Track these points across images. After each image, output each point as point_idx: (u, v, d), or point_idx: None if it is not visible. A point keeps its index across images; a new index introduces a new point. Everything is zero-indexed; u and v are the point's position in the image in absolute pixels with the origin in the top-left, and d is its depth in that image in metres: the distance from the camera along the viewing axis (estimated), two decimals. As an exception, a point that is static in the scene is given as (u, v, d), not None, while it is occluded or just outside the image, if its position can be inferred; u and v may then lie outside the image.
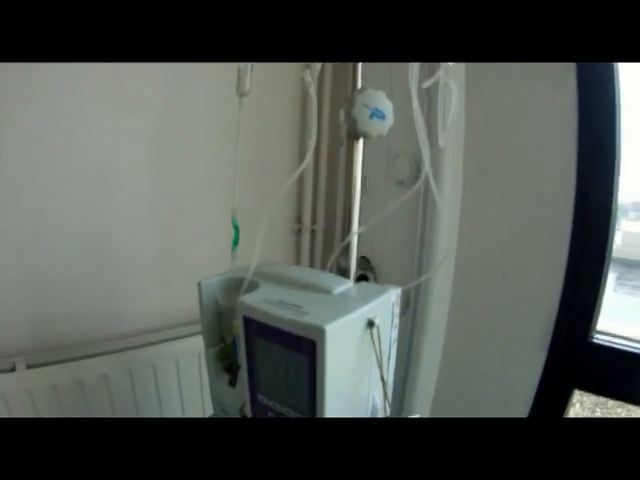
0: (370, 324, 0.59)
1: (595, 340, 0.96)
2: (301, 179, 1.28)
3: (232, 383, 0.69)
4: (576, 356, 0.97)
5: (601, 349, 0.95)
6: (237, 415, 0.69)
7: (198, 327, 1.05)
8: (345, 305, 0.60)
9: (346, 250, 0.71)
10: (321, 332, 0.53)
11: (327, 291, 0.63)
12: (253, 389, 0.63)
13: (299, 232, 1.34)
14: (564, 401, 1.01)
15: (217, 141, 1.10)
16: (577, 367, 0.97)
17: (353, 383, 0.60)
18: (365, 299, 0.60)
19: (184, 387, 1.03)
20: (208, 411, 1.05)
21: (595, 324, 0.97)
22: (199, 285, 0.67)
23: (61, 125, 0.93)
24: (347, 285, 0.64)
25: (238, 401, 0.68)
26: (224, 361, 0.70)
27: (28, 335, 0.98)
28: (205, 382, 1.03)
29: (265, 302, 0.59)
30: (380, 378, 0.62)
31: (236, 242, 0.67)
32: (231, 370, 0.70)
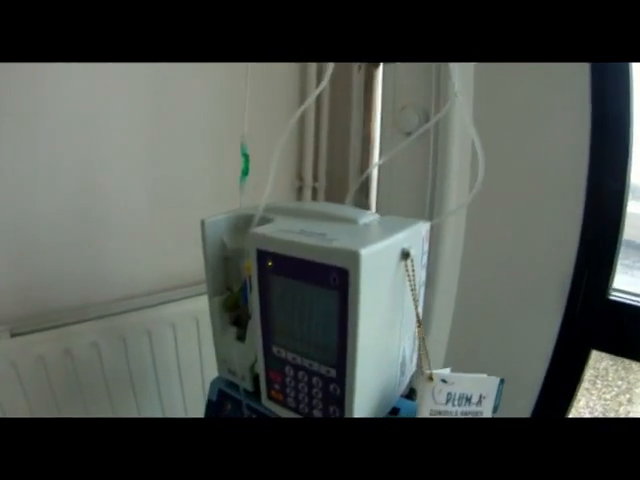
0: (405, 255, 0.50)
1: (613, 297, 0.89)
2: (302, 133, 1.19)
3: (241, 337, 0.60)
4: (593, 314, 0.90)
5: (619, 306, 0.87)
6: (247, 375, 0.59)
7: (195, 289, 0.98)
8: (375, 233, 0.51)
9: (365, 187, 0.63)
10: (355, 257, 0.44)
11: (353, 221, 0.54)
12: (267, 340, 0.53)
13: (300, 190, 1.25)
14: (581, 362, 0.94)
15: (214, 88, 1.01)
16: (594, 326, 0.91)
17: (386, 326, 0.51)
18: (396, 229, 0.51)
19: (182, 353, 0.93)
20: (208, 378, 0.96)
21: (612, 281, 0.90)
22: (202, 224, 0.58)
23: (48, 74, 0.83)
24: (373, 216, 0.56)
25: (248, 358, 0.58)
26: (231, 312, 0.60)
27: (12, 302, 0.88)
28: (205, 347, 0.95)
29: (283, 232, 0.50)
30: (415, 319, 0.53)
31: (246, 172, 0.58)
32: (239, 322, 0.61)
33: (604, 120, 0.85)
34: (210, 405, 0.65)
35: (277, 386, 0.55)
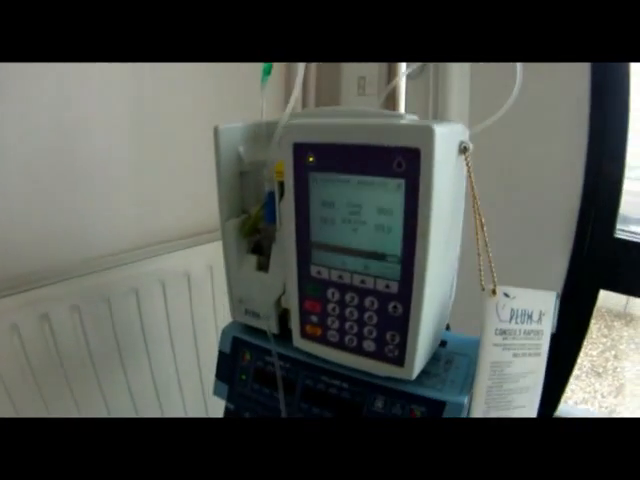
0: (463, 149, 0.42)
1: (619, 235, 0.86)
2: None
3: (263, 266, 0.49)
4: (601, 253, 0.86)
5: (627, 245, 0.84)
6: (271, 314, 0.49)
7: (185, 242, 0.85)
8: (431, 121, 0.43)
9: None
10: (428, 134, 0.35)
11: (398, 116, 0.44)
12: (304, 260, 0.43)
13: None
14: (591, 302, 0.91)
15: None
16: (602, 265, 0.87)
17: (447, 232, 0.42)
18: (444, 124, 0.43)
19: (172, 315, 0.81)
20: (202, 343, 0.84)
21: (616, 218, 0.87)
22: (216, 131, 0.47)
23: None
24: (414, 116, 0.47)
25: (273, 291, 0.48)
26: (250, 237, 0.50)
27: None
28: (197, 308, 0.83)
29: (325, 121, 0.40)
30: (476, 221, 0.45)
31: (268, 71, 0.47)
32: (260, 249, 0.50)
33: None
34: (223, 358, 0.54)
35: (314, 318, 0.45)
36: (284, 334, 0.50)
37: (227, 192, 0.48)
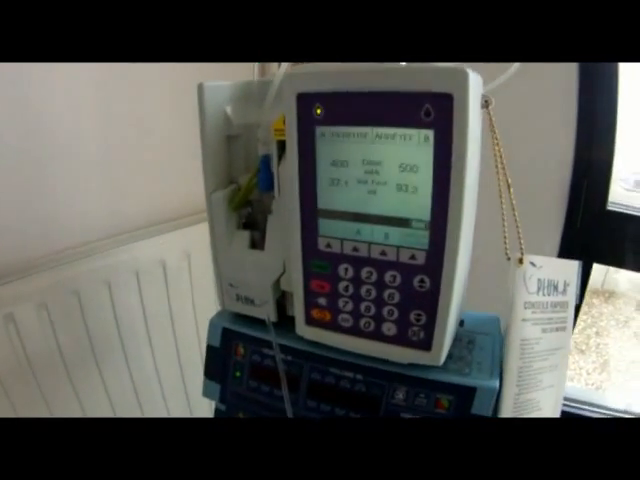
0: (485, 103, 0.36)
1: (611, 208, 0.84)
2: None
3: (257, 244, 0.42)
4: (594, 226, 0.84)
5: (618, 217, 0.82)
6: (269, 298, 0.42)
7: (160, 228, 0.75)
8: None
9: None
10: (462, 77, 0.29)
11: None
12: (310, 231, 0.36)
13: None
14: (585, 275, 0.89)
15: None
16: (595, 239, 0.85)
17: (475, 193, 0.37)
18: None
19: (148, 307, 0.71)
20: (182, 337, 0.75)
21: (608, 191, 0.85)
22: (200, 89, 0.39)
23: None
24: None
25: (270, 272, 0.40)
26: (240, 210, 0.42)
27: None
28: (175, 299, 0.74)
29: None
30: (502, 182, 0.39)
31: None
32: (252, 224, 0.43)
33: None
34: (213, 353, 0.46)
35: (323, 301, 0.38)
36: (282, 322, 0.43)
37: (213, 159, 0.40)
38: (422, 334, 0.36)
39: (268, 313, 0.41)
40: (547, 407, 0.44)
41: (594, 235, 0.84)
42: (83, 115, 0.68)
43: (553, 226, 0.88)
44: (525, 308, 0.41)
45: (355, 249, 0.35)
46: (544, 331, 0.43)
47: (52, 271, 0.63)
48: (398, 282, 0.35)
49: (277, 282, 0.41)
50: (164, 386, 0.77)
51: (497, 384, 0.39)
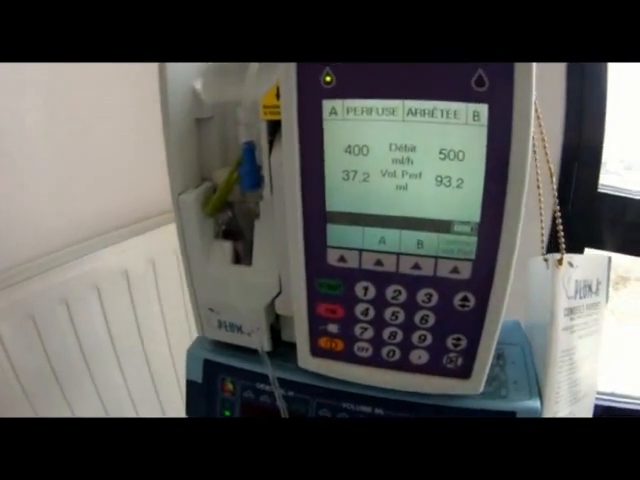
0: None
1: (602, 191, 0.80)
2: None
3: (242, 258, 0.32)
4: (585, 210, 0.80)
5: (611, 199, 0.78)
6: (261, 324, 0.32)
7: (119, 234, 0.62)
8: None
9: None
10: None
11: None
12: (315, 242, 0.27)
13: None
14: None
15: None
16: (586, 222, 0.81)
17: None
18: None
19: (113, 325, 0.59)
20: (153, 356, 0.64)
21: (599, 173, 0.81)
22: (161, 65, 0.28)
23: None
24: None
25: (260, 293, 0.31)
26: (217, 215, 0.32)
27: None
28: (142, 313, 0.62)
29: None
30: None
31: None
32: (235, 232, 0.33)
33: None
34: (194, 390, 0.36)
35: (333, 328, 0.29)
36: (277, 348, 0.34)
37: (179, 151, 0.30)
38: (460, 361, 0.28)
39: (261, 342, 0.32)
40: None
41: (586, 218, 0.80)
42: (28, 112, 0.54)
43: (544, 209, 0.83)
44: (565, 315, 0.34)
45: (378, 262, 0.26)
46: (580, 338, 0.37)
47: (1, 293, 0.50)
48: (434, 302, 0.26)
49: (271, 304, 0.31)
50: (140, 410, 0.65)
51: (538, 405, 0.31)
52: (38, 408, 0.55)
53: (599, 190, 0.73)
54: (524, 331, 0.40)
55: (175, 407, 0.39)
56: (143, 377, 0.62)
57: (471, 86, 0.22)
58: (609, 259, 0.38)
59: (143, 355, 0.61)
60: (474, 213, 0.24)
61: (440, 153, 0.23)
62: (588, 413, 0.38)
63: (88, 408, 0.59)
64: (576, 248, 0.82)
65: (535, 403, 0.31)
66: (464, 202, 0.24)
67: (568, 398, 0.35)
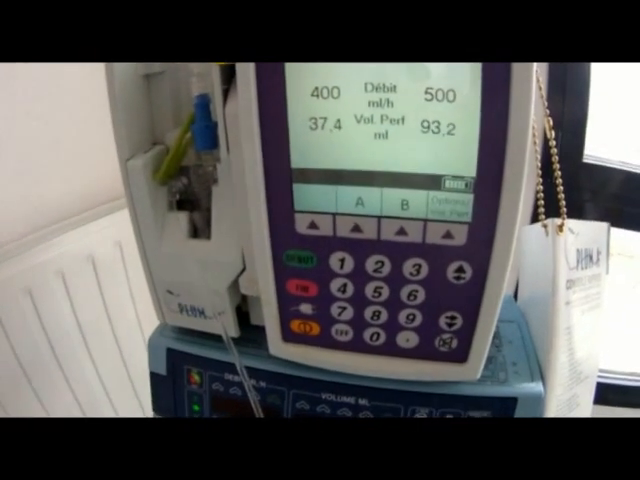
0: None
1: (587, 160, 0.75)
2: None
3: (199, 231, 0.27)
4: (571, 180, 0.76)
5: (596, 169, 0.74)
6: (226, 309, 0.27)
7: (84, 217, 0.56)
8: None
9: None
10: None
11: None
12: (280, 206, 0.22)
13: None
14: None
15: None
16: (571, 192, 0.77)
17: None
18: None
19: (81, 313, 0.53)
20: (126, 344, 0.59)
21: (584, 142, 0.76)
22: None
23: None
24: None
25: (222, 271, 0.26)
26: (170, 183, 0.27)
27: None
28: (111, 296, 0.56)
29: None
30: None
31: None
32: (192, 202, 0.28)
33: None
34: (158, 382, 0.31)
35: (306, 308, 0.24)
36: (247, 333, 0.30)
37: (126, 111, 0.24)
38: (455, 343, 0.24)
39: (225, 327, 0.27)
40: (584, 402, 0.35)
41: (570, 189, 0.76)
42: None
43: (527, 179, 0.79)
44: (567, 288, 0.30)
45: (356, 228, 0.21)
46: (582, 312, 0.33)
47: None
48: (424, 274, 0.22)
49: (235, 283, 0.27)
50: (113, 400, 0.61)
51: (542, 389, 0.28)
52: (6, 405, 0.50)
53: (584, 160, 0.69)
54: (519, 307, 0.36)
55: (149, 394, 0.35)
56: (116, 365, 0.57)
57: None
58: (608, 227, 0.34)
59: (115, 343, 0.56)
60: (469, 166, 0.19)
61: (426, 93, 0.18)
62: (591, 394, 0.34)
63: (59, 401, 0.54)
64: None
65: (538, 387, 0.27)
66: (457, 152, 0.19)
67: (571, 379, 0.31)
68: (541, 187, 0.28)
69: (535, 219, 0.78)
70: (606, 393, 0.73)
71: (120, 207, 0.56)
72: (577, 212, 0.76)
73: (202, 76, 0.25)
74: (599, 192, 0.75)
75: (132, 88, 0.26)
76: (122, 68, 0.25)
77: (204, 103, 0.24)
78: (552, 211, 0.33)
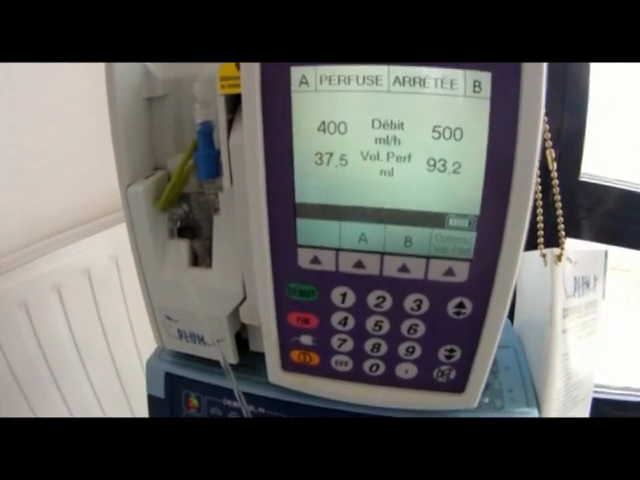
0: None
1: (584, 179, 0.76)
2: None
3: (200, 259, 0.26)
4: (567, 198, 0.76)
5: (592, 188, 0.74)
6: (225, 337, 0.27)
7: (80, 231, 0.55)
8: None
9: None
10: None
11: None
12: (283, 240, 0.21)
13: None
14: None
15: None
16: (568, 212, 0.77)
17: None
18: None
19: (78, 329, 0.51)
20: (121, 358, 0.57)
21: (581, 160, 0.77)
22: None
23: None
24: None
25: (221, 301, 0.25)
26: (171, 210, 0.26)
27: None
28: (107, 311, 0.55)
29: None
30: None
31: None
32: (193, 229, 0.27)
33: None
34: (156, 405, 0.30)
35: (307, 339, 0.24)
36: (245, 359, 0.29)
37: (128, 134, 0.24)
38: (453, 374, 0.23)
39: (224, 355, 0.26)
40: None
41: (567, 206, 0.76)
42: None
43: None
44: (564, 317, 0.30)
45: (359, 264, 0.21)
46: (579, 338, 0.33)
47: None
48: (425, 309, 0.21)
49: (235, 312, 0.26)
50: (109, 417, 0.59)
51: (537, 414, 0.27)
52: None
53: (580, 179, 0.69)
54: (515, 331, 0.36)
55: (146, 412, 0.34)
56: (111, 381, 0.56)
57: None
58: (606, 253, 0.34)
59: (110, 358, 0.55)
60: (473, 204, 0.19)
61: (433, 131, 0.18)
62: (586, 414, 0.34)
63: (54, 415, 0.53)
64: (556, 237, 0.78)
65: (533, 413, 0.27)
66: (461, 191, 0.19)
67: (566, 404, 0.31)
68: (541, 217, 0.27)
69: (532, 241, 0.78)
70: (600, 408, 0.73)
71: (116, 221, 0.55)
72: (573, 230, 0.77)
73: (205, 103, 0.24)
74: (595, 210, 0.75)
75: (134, 111, 0.26)
76: (124, 90, 0.25)
77: (207, 131, 0.24)
78: (548, 228, 0.33)
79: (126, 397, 0.58)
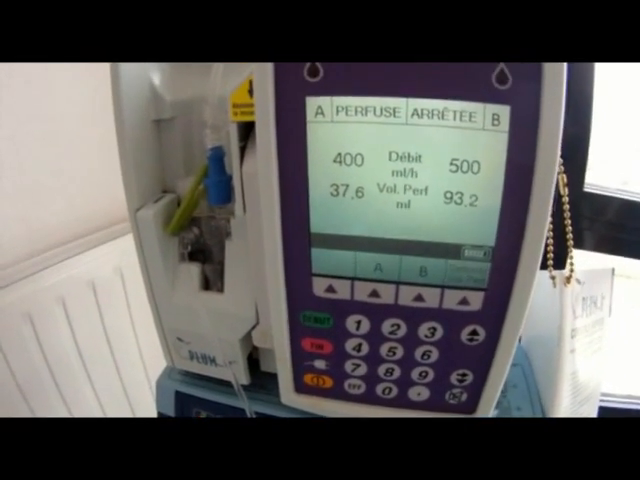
0: None
1: (588, 190, 0.76)
2: None
3: (211, 283, 0.26)
4: (571, 209, 0.76)
5: (596, 198, 0.74)
6: (237, 356, 0.27)
7: (83, 242, 0.54)
8: None
9: None
10: None
11: None
12: (297, 269, 0.21)
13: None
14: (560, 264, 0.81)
15: None
16: (573, 222, 0.77)
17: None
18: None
19: (83, 341, 0.51)
20: (126, 369, 0.57)
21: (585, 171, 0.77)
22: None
23: None
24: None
25: (233, 325, 0.25)
26: (181, 234, 0.26)
27: None
28: (112, 323, 0.55)
29: None
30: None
31: None
32: (204, 253, 0.27)
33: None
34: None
35: (320, 364, 0.24)
36: (257, 379, 0.29)
37: (136, 157, 0.24)
38: (465, 396, 0.23)
39: (236, 376, 0.26)
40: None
41: (572, 219, 0.76)
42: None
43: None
44: (572, 337, 0.30)
45: (374, 293, 0.21)
46: (586, 357, 0.33)
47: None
48: (439, 336, 0.21)
49: (248, 335, 0.26)
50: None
51: (544, 434, 0.27)
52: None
53: (585, 189, 0.69)
54: (522, 348, 0.36)
55: (150, 407, 0.34)
56: (116, 392, 0.56)
57: (491, 83, 0.17)
58: (612, 270, 0.34)
59: (115, 369, 0.55)
60: (489, 236, 0.19)
61: (451, 164, 0.18)
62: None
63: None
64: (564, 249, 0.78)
65: (541, 432, 0.27)
66: (477, 223, 0.19)
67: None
68: (551, 240, 0.27)
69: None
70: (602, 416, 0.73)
71: (121, 232, 0.54)
72: (576, 240, 0.76)
73: (216, 128, 0.24)
74: (598, 220, 0.75)
75: (142, 133, 0.25)
76: (132, 112, 0.24)
77: (218, 156, 0.23)
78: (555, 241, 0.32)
79: (131, 408, 0.58)
